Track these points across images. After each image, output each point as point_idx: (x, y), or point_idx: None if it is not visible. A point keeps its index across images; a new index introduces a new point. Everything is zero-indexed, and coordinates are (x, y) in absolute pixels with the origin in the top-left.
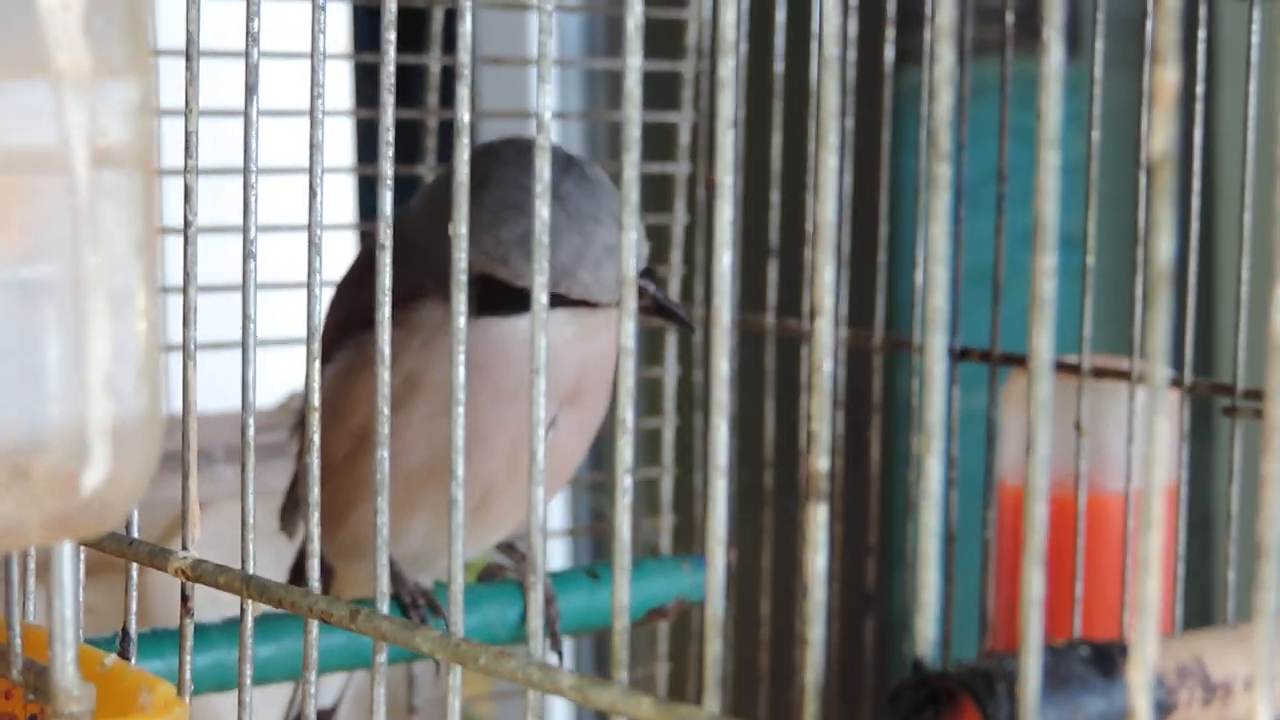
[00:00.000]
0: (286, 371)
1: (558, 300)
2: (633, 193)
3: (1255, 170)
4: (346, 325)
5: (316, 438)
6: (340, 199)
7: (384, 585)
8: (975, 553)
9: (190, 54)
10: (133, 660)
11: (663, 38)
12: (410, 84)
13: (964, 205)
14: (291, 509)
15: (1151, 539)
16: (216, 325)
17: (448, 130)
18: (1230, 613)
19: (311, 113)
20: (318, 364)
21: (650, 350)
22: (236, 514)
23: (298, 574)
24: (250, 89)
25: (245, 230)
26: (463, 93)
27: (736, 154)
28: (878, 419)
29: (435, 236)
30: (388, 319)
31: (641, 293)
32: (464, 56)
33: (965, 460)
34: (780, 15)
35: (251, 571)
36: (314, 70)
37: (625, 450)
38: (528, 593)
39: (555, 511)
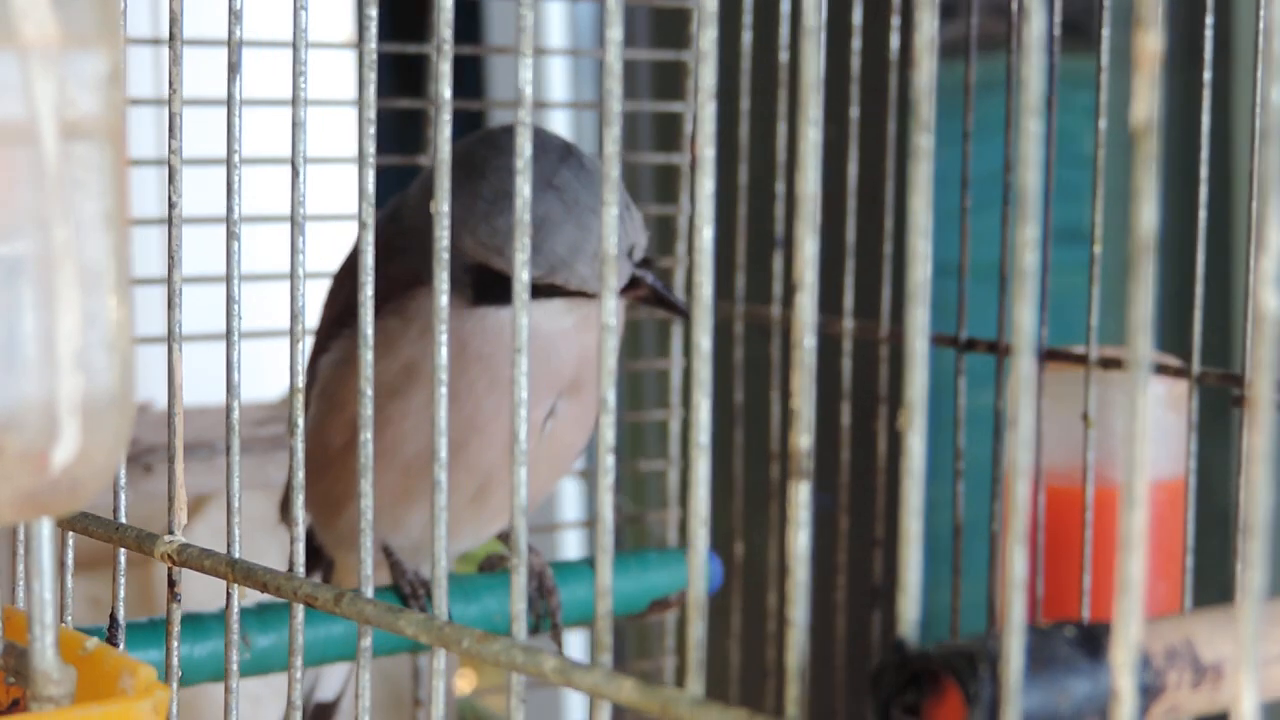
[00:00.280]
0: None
1: (555, 291)
2: (614, 169)
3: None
4: (343, 315)
5: (301, 421)
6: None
7: (368, 569)
8: (983, 546)
9: (174, 34)
10: (120, 646)
11: (668, 28)
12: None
13: (970, 199)
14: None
15: (1134, 518)
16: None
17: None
18: None
19: (294, 90)
20: (301, 345)
21: (658, 343)
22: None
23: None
24: (233, 68)
25: (229, 212)
26: (443, 68)
27: (740, 138)
28: (884, 410)
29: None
30: (370, 299)
31: (639, 282)
32: (445, 32)
33: (972, 452)
34: (785, 5)
35: (237, 555)
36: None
37: (608, 431)
38: (512, 575)
39: (570, 503)
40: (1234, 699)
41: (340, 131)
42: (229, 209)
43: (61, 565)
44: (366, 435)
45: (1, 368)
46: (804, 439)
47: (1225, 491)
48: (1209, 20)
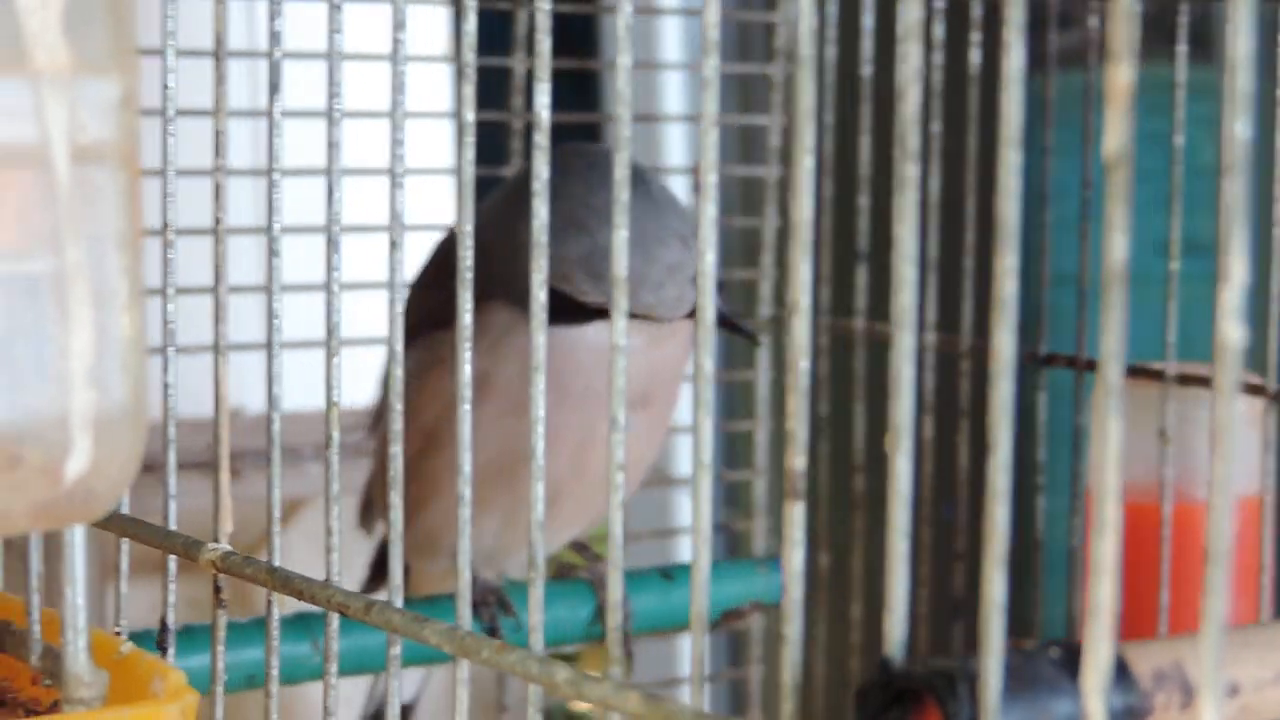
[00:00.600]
0: (372, 371)
1: None
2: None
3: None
4: (419, 325)
5: (336, 434)
6: (438, 200)
7: (397, 579)
8: (1062, 560)
9: (219, 55)
10: (171, 651)
11: (753, 41)
12: (495, 87)
13: (1049, 212)
14: (369, 507)
15: (1105, 544)
16: (304, 324)
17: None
18: None
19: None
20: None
21: (746, 353)
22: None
23: (378, 569)
24: (274, 88)
25: (269, 229)
26: (466, 91)
27: (821, 154)
28: (966, 424)
29: (502, 241)
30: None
31: None
32: (468, 56)
33: (1052, 467)
34: (868, 19)
35: (278, 564)
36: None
37: (617, 449)
38: (530, 589)
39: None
40: None
41: (434, 142)
42: (269, 224)
43: (107, 571)
44: (396, 449)
45: (16, 383)
46: (799, 460)
47: None
48: None
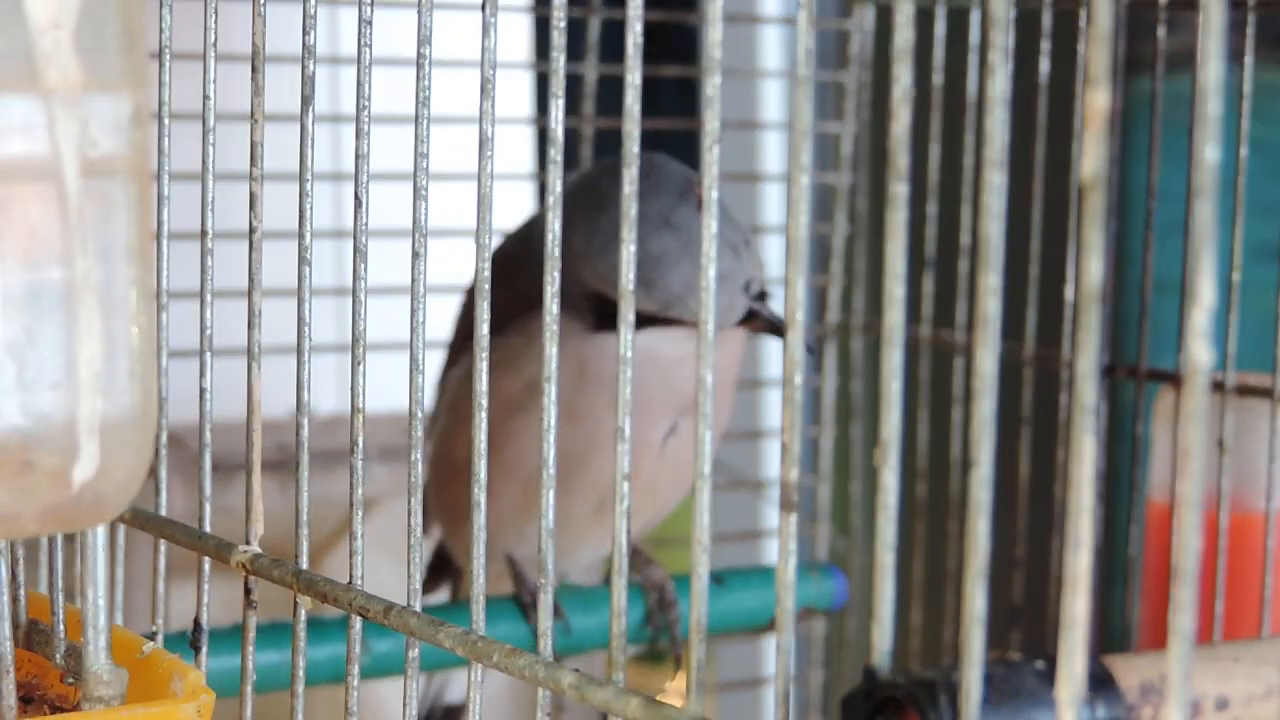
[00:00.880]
0: (430, 374)
1: (672, 322)
2: (631, 208)
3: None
4: (471, 331)
5: (360, 440)
6: (518, 203)
7: (417, 582)
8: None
9: (256, 66)
10: (203, 650)
11: (826, 47)
12: (572, 89)
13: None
14: (428, 508)
15: (1077, 558)
16: (385, 327)
17: (602, 137)
18: None
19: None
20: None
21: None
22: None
23: (435, 572)
24: (306, 100)
25: (300, 237)
26: (484, 105)
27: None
28: (1026, 432)
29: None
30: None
31: (755, 315)
32: (487, 71)
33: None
34: (940, 28)
35: (304, 566)
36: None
37: (623, 459)
38: (540, 595)
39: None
40: None
41: (515, 147)
42: (300, 234)
43: (155, 572)
44: (415, 456)
45: (27, 390)
46: (793, 472)
47: None
48: None
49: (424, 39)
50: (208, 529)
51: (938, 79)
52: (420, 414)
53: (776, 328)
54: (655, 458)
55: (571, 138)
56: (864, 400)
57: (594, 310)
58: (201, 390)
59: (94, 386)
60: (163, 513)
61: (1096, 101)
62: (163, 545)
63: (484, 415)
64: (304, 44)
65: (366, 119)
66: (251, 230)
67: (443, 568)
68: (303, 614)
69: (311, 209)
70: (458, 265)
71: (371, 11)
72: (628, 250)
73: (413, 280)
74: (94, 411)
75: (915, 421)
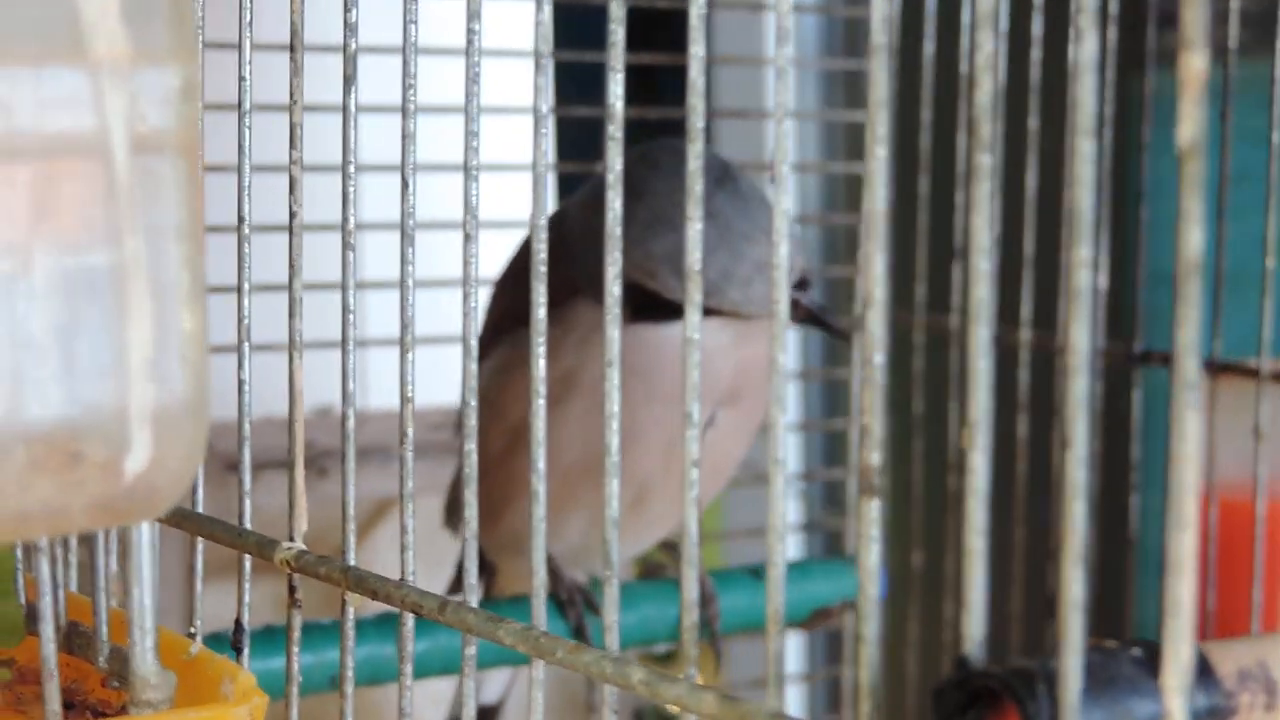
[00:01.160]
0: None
1: (709, 313)
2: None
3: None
4: (502, 322)
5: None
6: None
7: (472, 577)
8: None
9: (294, 45)
10: (245, 651)
11: (856, 35)
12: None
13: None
14: (455, 506)
15: (1182, 540)
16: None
17: (631, 127)
18: None
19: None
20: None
21: (844, 350)
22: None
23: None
24: (348, 80)
25: (344, 223)
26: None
27: (920, 148)
28: (1059, 422)
29: (588, 237)
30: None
31: (796, 304)
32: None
33: (1148, 463)
34: (966, 15)
35: (352, 563)
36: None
37: (692, 444)
38: (605, 587)
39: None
40: None
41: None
42: (344, 219)
43: (192, 571)
44: (470, 446)
45: (75, 378)
46: (874, 456)
47: None
48: None
49: (473, 13)
50: (248, 525)
51: (964, 67)
52: (473, 402)
53: (818, 318)
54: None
55: (599, 128)
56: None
57: (631, 301)
58: (240, 383)
59: (145, 373)
60: (199, 509)
61: (1193, 64)
62: (200, 544)
63: (541, 402)
64: (345, 22)
65: (413, 98)
66: (291, 216)
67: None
68: (350, 612)
69: (355, 194)
70: (484, 257)
71: None
72: (694, 230)
73: (464, 263)
74: (146, 400)
75: (946, 412)
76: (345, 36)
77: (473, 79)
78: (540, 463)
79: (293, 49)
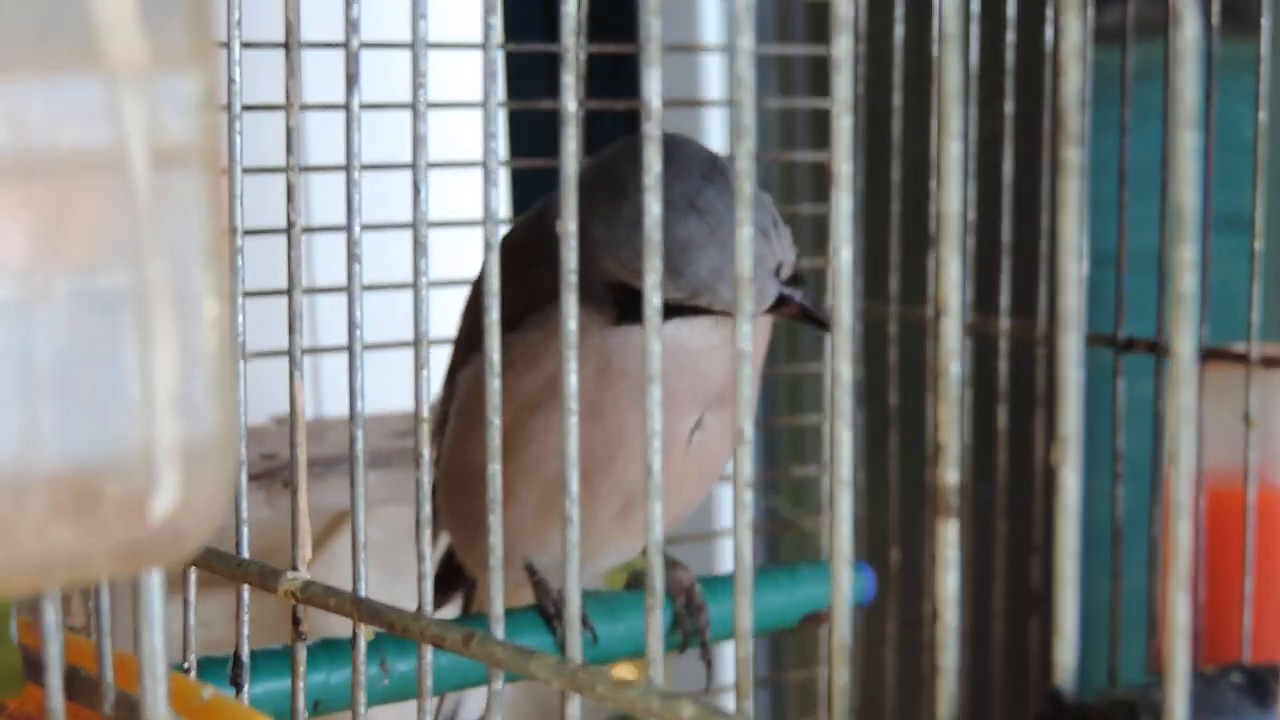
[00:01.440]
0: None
1: (700, 311)
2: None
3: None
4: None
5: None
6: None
7: (498, 609)
8: (1141, 549)
9: (289, 44)
10: (245, 686)
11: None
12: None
13: (1128, 190)
14: (438, 517)
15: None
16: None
17: (592, 119)
18: None
19: (415, 104)
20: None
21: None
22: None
23: (441, 584)
24: (351, 79)
25: (349, 230)
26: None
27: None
28: (1041, 413)
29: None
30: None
31: (787, 300)
32: (568, 40)
33: (1131, 453)
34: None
35: (364, 594)
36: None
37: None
38: (648, 616)
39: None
40: None
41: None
42: (349, 225)
43: (185, 602)
44: (495, 467)
45: (92, 412)
46: (951, 474)
47: None
48: None
49: (490, 6)
50: (246, 554)
51: (935, 52)
52: (498, 420)
53: (810, 314)
54: (681, 453)
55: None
56: (865, 382)
57: (616, 302)
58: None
59: (171, 406)
60: None
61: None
62: (192, 573)
63: (573, 406)
64: (347, 18)
65: (423, 99)
66: (290, 225)
67: (452, 578)
68: (362, 643)
69: (360, 199)
70: (458, 258)
71: None
72: (745, 234)
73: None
74: (172, 435)
75: (923, 405)
76: (347, 34)
77: (490, 75)
78: (574, 485)
79: (288, 48)
